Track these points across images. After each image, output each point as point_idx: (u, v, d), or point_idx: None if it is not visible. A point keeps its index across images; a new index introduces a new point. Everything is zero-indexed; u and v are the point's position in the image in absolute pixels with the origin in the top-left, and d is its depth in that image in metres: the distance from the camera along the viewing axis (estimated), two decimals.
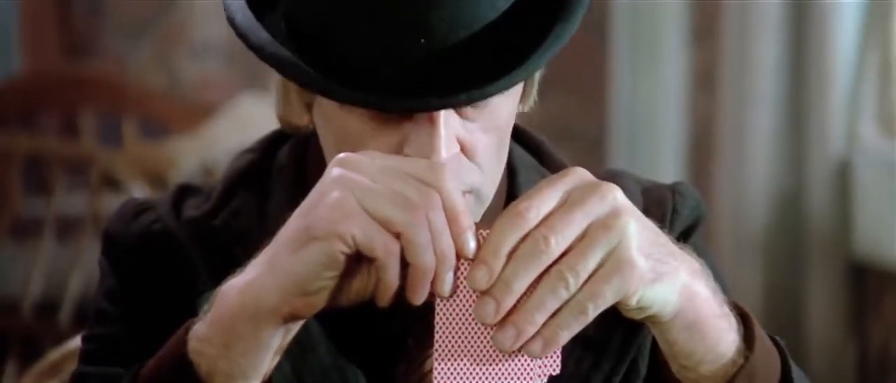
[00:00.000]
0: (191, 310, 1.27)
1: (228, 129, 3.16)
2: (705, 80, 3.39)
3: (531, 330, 1.17)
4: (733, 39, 3.15)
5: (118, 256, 1.37)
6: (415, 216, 1.18)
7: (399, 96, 1.23)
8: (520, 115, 1.36)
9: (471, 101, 1.25)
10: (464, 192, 1.27)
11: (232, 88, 3.52)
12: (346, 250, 1.18)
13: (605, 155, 3.60)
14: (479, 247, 1.18)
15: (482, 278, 1.17)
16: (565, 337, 1.17)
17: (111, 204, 3.04)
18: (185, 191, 1.39)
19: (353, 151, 1.24)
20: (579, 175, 1.20)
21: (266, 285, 1.19)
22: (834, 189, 3.06)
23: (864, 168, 3.04)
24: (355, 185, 1.18)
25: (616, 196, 1.20)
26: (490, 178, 1.30)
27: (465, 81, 1.24)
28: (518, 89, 1.31)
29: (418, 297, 1.18)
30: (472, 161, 1.28)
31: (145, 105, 3.53)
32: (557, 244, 1.17)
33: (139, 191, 3.13)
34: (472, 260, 1.18)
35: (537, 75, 1.33)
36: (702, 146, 3.41)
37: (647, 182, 1.44)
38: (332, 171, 1.19)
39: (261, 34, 1.27)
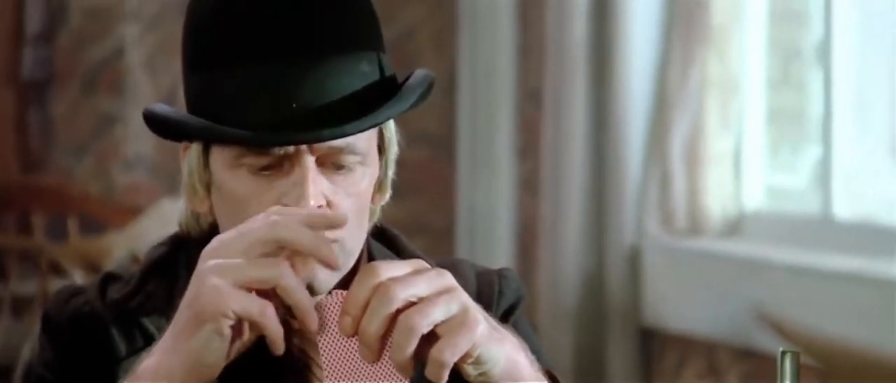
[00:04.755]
0: (112, 375, 1.25)
1: (152, 226, 3.13)
2: (529, 186, 3.41)
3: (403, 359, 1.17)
4: (549, 155, 3.18)
5: (54, 332, 1.33)
6: (277, 267, 1.17)
7: (274, 138, 1.24)
8: (382, 213, 1.35)
9: (332, 138, 1.25)
10: (330, 242, 1.25)
11: (156, 194, 3.50)
12: (231, 323, 1.17)
13: (452, 245, 3.60)
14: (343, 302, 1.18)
15: (346, 325, 1.17)
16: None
17: (57, 287, 2.99)
18: (109, 279, 1.36)
19: (243, 212, 1.25)
20: (422, 263, 1.21)
21: (174, 367, 1.19)
22: (627, 270, 3.08)
23: (650, 254, 3.07)
24: (224, 268, 1.17)
25: (451, 278, 1.20)
26: (352, 235, 1.28)
27: (325, 125, 1.24)
28: (373, 169, 1.30)
29: (312, 325, 1.18)
30: None
31: (86, 207, 3.50)
32: (403, 292, 1.16)
33: (80, 277, 3.10)
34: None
35: (392, 171, 1.33)
36: (526, 238, 3.42)
37: (481, 268, 1.43)
38: (202, 266, 1.19)
39: (170, 112, 1.29)
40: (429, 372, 1.18)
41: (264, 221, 1.19)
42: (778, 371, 1.24)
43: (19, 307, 3.39)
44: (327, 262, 1.18)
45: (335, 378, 1.19)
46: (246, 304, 1.17)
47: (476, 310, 1.19)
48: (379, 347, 1.18)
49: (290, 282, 1.17)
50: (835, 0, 2.86)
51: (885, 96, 2.86)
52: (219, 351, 1.17)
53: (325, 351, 1.19)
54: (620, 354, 3.09)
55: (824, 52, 2.90)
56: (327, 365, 1.19)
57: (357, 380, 1.19)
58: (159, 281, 1.33)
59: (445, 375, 1.18)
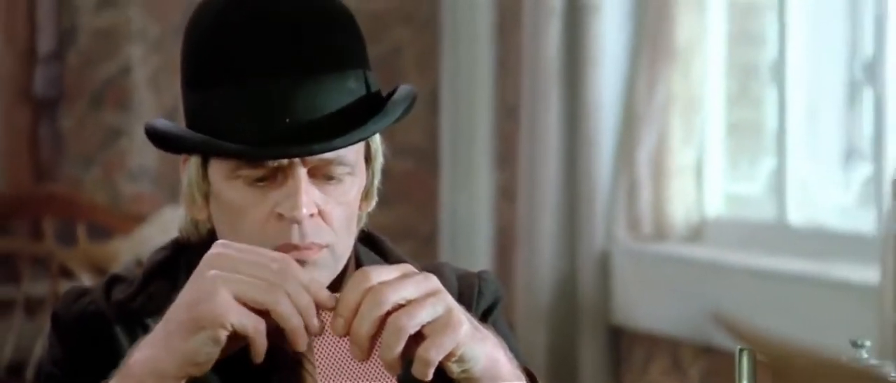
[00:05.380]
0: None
1: (155, 233, 3.12)
2: (506, 195, 3.41)
3: (392, 358, 1.17)
4: (526, 164, 3.18)
5: (62, 331, 1.33)
6: (275, 294, 1.17)
7: (269, 151, 1.24)
8: (371, 219, 1.35)
9: (322, 151, 1.25)
10: (321, 247, 1.26)
11: (158, 202, 3.49)
12: (227, 333, 1.17)
13: (435, 250, 3.60)
14: (335, 301, 1.18)
15: (338, 326, 1.17)
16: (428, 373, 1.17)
17: (66, 288, 2.97)
18: (114, 280, 1.35)
19: (239, 220, 1.25)
20: (410, 267, 1.21)
21: (165, 361, 1.18)
22: (597, 273, 3.08)
23: (619, 258, 3.07)
24: (229, 281, 1.17)
25: (437, 281, 1.20)
26: (341, 240, 1.28)
27: (316, 139, 1.24)
28: (361, 178, 1.30)
29: (300, 346, 1.17)
30: (328, 224, 1.27)
31: (93, 215, 3.50)
32: (393, 295, 1.16)
33: (87, 279, 3.09)
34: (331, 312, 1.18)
35: (378, 180, 1.33)
36: (504, 242, 3.42)
37: (461, 270, 1.42)
38: (208, 272, 1.18)
39: (170, 128, 1.28)
40: (415, 370, 1.18)
41: (276, 262, 1.18)
42: (736, 367, 1.25)
43: (32, 307, 3.38)
44: (310, 327, 1.18)
45: (327, 375, 1.19)
46: (244, 320, 1.17)
47: (460, 312, 1.19)
48: (369, 347, 1.18)
49: (285, 308, 1.17)
50: (788, 23, 2.88)
51: (835, 111, 2.87)
52: (211, 354, 1.18)
53: (317, 349, 1.19)
54: (591, 351, 3.09)
55: (779, 71, 2.91)
56: (319, 363, 1.19)
57: (347, 378, 1.19)
58: (161, 282, 1.32)
59: (431, 372, 1.18)
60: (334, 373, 1.19)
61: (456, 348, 1.18)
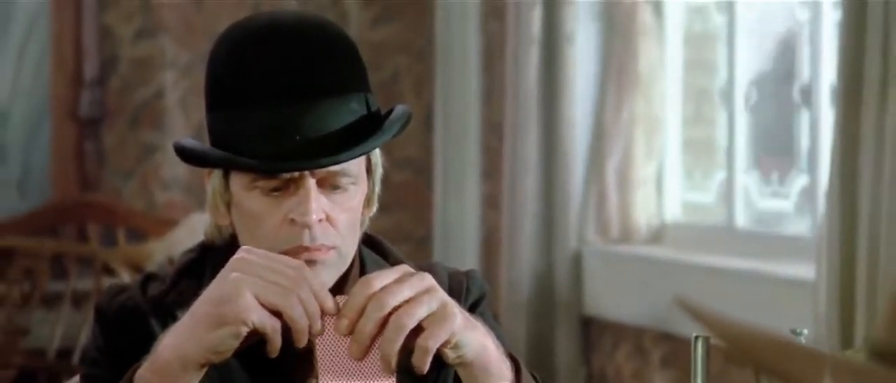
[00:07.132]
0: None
1: (184, 236, 3.12)
2: (492, 202, 3.41)
3: (392, 351, 1.16)
4: (508, 176, 3.18)
5: (104, 322, 1.32)
6: (290, 298, 1.17)
7: (282, 166, 1.24)
8: (373, 223, 1.35)
9: (329, 165, 1.24)
10: (329, 248, 1.26)
11: (188, 209, 3.49)
12: (248, 329, 1.17)
13: (429, 251, 3.60)
14: (339, 308, 1.18)
15: (342, 327, 1.17)
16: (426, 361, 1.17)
17: (108, 284, 2.96)
18: (149, 278, 1.35)
19: (257, 225, 1.24)
20: (407, 268, 1.20)
21: (190, 349, 1.18)
22: (571, 271, 3.09)
23: (589, 257, 3.08)
24: (251, 284, 1.17)
25: (432, 279, 1.20)
26: (347, 243, 1.28)
27: (323, 154, 1.24)
28: (363, 187, 1.30)
29: (302, 344, 1.17)
30: (335, 228, 1.26)
31: (132, 220, 3.49)
32: (394, 299, 1.16)
33: (126, 276, 3.09)
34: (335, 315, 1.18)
35: (378, 188, 1.32)
36: (490, 244, 3.42)
37: (452, 269, 1.42)
38: (233, 275, 1.18)
39: (196, 146, 1.28)
40: (415, 358, 1.18)
41: (294, 269, 1.18)
42: (692, 351, 1.25)
43: (78, 301, 3.38)
44: (313, 329, 1.18)
45: (326, 372, 1.19)
46: (264, 320, 1.17)
47: (453, 305, 1.19)
48: (369, 346, 1.18)
49: (296, 312, 1.17)
50: (737, 54, 2.88)
51: (776, 131, 2.87)
52: (232, 346, 1.18)
53: (318, 348, 1.19)
54: (565, 338, 3.09)
55: (728, 96, 2.92)
56: (321, 359, 1.19)
57: (345, 375, 1.19)
58: (189, 280, 1.32)
59: (429, 359, 1.18)
60: (333, 370, 1.19)
61: (451, 337, 1.18)
